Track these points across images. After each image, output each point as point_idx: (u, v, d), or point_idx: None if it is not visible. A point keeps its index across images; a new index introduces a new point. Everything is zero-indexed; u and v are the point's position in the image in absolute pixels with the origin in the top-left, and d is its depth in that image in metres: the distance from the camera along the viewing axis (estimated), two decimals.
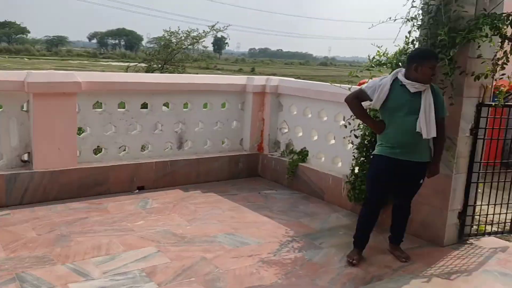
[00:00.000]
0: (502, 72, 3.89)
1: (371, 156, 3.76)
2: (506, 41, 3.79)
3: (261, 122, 6.18)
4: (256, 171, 6.23)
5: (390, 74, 3.62)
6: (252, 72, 48.14)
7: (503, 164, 4.62)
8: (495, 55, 3.86)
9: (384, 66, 4.28)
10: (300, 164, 5.67)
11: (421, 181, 3.70)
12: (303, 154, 5.75)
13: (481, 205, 4.39)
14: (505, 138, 4.58)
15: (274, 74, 9.03)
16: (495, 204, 4.40)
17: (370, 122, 3.76)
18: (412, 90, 3.47)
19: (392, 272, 3.60)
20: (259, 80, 6.13)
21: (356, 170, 4.73)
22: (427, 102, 3.44)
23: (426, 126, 3.43)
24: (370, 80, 3.77)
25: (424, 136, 3.46)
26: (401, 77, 3.52)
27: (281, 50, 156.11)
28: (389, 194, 3.82)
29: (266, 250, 3.87)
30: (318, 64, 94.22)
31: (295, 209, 5.00)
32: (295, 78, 7.31)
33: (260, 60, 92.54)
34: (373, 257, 3.81)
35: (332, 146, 5.42)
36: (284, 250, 3.90)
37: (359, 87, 3.92)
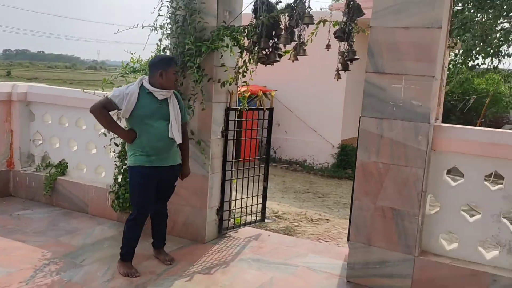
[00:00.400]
0: (243, 79, 4.34)
1: (128, 168, 3.66)
2: (245, 51, 4.24)
3: (9, 134, 5.44)
4: (7, 191, 5.47)
5: (135, 82, 3.61)
6: (8, 76, 42.42)
7: (259, 159, 5.19)
8: (236, 64, 4.28)
9: (138, 73, 4.29)
10: (60, 177, 5.23)
11: (176, 183, 3.83)
12: (62, 167, 5.32)
13: (235, 199, 4.83)
14: (253, 137, 5.14)
15: (35, 79, 8.09)
16: (247, 197, 4.90)
17: (120, 131, 3.62)
18: (160, 97, 3.53)
19: (157, 277, 3.64)
20: (2, 86, 5.38)
21: (119, 179, 4.62)
22: (174, 108, 3.58)
23: (178, 132, 3.57)
24: (116, 88, 3.65)
25: (178, 141, 3.60)
26: (146, 84, 3.53)
27: (43, 52, 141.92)
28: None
29: (17, 280, 3.42)
30: (87, 67, 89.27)
31: (55, 228, 4.58)
32: (61, 82, 6.69)
33: (18, 62, 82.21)
34: (138, 265, 3.76)
35: (93, 155, 5.16)
36: (39, 276, 3.51)
37: (106, 95, 3.71)
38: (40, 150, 5.47)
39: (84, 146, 5.19)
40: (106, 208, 4.84)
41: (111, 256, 3.92)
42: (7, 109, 5.38)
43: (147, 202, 3.63)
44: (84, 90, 4.64)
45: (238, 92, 4.63)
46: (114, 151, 4.61)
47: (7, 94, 5.35)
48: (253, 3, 4.00)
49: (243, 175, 4.84)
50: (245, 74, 4.30)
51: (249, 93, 4.73)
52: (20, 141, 5.44)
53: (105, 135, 4.52)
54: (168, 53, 4.21)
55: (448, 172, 3.62)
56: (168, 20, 4.16)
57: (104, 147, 4.80)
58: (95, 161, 5.15)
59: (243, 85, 4.46)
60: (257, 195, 4.98)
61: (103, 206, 4.88)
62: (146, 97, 3.51)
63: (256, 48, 3.95)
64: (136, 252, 3.77)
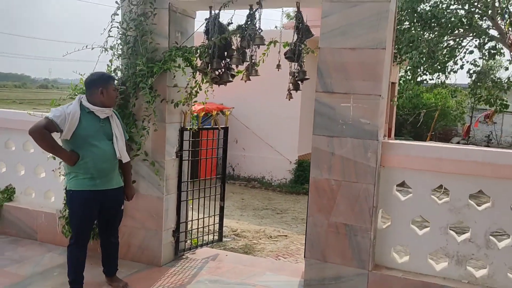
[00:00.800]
0: (195, 99, 4.34)
1: (68, 192, 3.49)
2: (198, 71, 4.24)
3: None
4: None
5: (74, 101, 3.47)
6: None
7: (218, 178, 5.15)
8: (187, 84, 4.28)
9: None
10: (6, 203, 5.01)
11: (122, 207, 3.73)
12: (9, 192, 5.10)
13: (192, 220, 4.77)
14: (211, 156, 5.11)
15: None
16: (204, 217, 4.85)
17: (64, 154, 3.41)
18: (102, 116, 3.44)
19: None
20: None
21: None
22: (118, 127, 3.53)
23: (124, 150, 3.51)
24: (54, 108, 3.46)
25: (125, 160, 3.56)
26: (86, 103, 3.41)
27: None
28: (93, 227, 3.68)
29: None
30: (38, 86, 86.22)
31: (1, 257, 4.36)
32: (10, 102, 6.40)
33: None
34: None
35: (42, 180, 4.97)
36: None
37: (46, 116, 3.41)
38: None
39: (32, 170, 5.01)
40: (56, 234, 4.66)
41: (62, 284, 3.77)
42: None
43: (87, 227, 3.52)
44: (30, 113, 4.49)
45: (194, 111, 4.61)
46: (64, 175, 4.46)
47: None
48: (204, 24, 4.02)
49: (199, 195, 4.79)
50: (197, 93, 4.31)
51: (203, 112, 4.73)
52: None
53: (54, 158, 4.37)
54: (119, 74, 4.16)
55: (403, 184, 3.72)
56: (119, 41, 4.11)
57: (53, 170, 4.64)
58: (44, 185, 4.97)
59: (193, 105, 4.45)
60: (214, 215, 4.95)
61: (53, 232, 4.70)
62: (87, 116, 3.40)
63: (208, 69, 3.96)
64: (88, 279, 3.64)
